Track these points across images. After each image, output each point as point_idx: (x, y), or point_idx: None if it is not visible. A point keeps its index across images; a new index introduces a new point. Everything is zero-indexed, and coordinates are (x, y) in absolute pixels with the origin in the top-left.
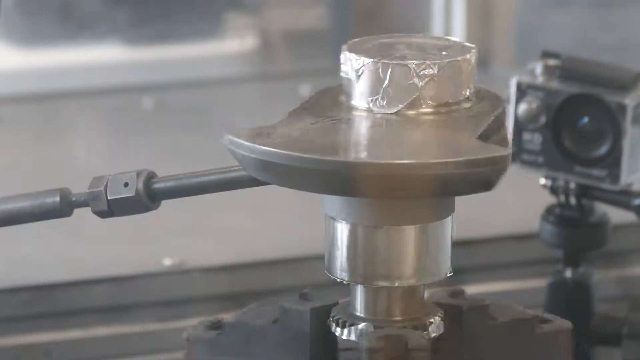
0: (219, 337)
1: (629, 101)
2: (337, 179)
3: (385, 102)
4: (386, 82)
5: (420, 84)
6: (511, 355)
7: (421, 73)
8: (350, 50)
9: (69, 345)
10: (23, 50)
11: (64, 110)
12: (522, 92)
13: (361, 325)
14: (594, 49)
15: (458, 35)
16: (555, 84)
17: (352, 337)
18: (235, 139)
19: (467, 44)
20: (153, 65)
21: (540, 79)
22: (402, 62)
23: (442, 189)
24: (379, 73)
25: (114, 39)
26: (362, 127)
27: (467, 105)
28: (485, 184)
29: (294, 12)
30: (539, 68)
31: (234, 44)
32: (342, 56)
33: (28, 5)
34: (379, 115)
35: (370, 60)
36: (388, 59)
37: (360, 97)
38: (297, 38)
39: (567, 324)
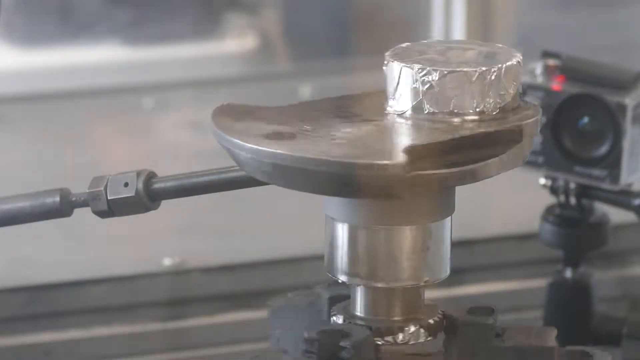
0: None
1: (629, 101)
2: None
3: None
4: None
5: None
6: None
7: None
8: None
9: (69, 345)
10: (23, 50)
11: (63, 110)
12: (522, 92)
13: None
14: (594, 49)
15: (458, 35)
16: (555, 84)
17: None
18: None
19: (512, 53)
20: (153, 65)
21: (540, 79)
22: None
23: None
24: (393, 75)
25: (114, 39)
26: (370, 129)
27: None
28: None
29: (294, 12)
30: (539, 68)
31: (234, 44)
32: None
33: (28, 5)
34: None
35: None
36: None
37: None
38: (298, 38)
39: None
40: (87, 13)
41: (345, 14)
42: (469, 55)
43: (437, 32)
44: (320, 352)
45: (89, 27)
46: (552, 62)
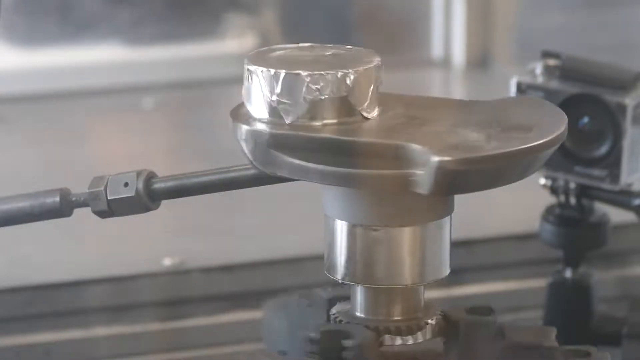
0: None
1: (629, 101)
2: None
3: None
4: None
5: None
6: None
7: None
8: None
9: (69, 345)
10: (23, 50)
11: (64, 110)
12: (522, 92)
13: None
14: (593, 49)
15: (458, 35)
16: (555, 84)
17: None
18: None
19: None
20: (153, 65)
21: (540, 79)
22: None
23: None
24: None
25: (114, 39)
26: None
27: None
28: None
29: (294, 12)
30: (539, 68)
31: (234, 44)
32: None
33: (28, 5)
34: None
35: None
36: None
37: None
38: (297, 38)
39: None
40: (87, 13)
41: (345, 14)
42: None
43: (437, 32)
44: (323, 352)
45: (89, 27)
46: (552, 62)
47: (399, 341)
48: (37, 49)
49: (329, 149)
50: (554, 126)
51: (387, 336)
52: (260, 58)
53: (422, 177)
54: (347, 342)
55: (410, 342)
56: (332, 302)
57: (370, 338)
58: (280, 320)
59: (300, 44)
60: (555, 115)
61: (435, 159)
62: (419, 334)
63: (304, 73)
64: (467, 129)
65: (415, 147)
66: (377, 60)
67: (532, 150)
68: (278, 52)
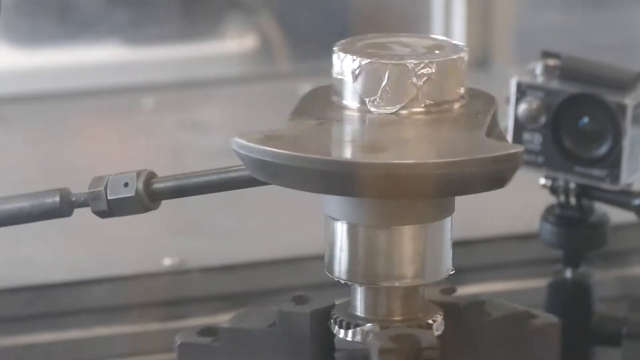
0: (213, 343)
1: (629, 101)
2: (357, 181)
3: (383, 102)
4: (385, 82)
5: (419, 83)
6: (506, 349)
7: (419, 72)
8: (344, 51)
9: (69, 345)
10: (23, 50)
11: (64, 110)
12: (522, 92)
13: (366, 327)
14: (593, 49)
15: (458, 35)
16: (555, 84)
17: (358, 338)
18: (244, 142)
19: (458, 43)
20: (153, 65)
21: (540, 79)
22: (401, 62)
23: (456, 187)
24: (378, 73)
25: (114, 39)
26: (367, 127)
27: (461, 103)
28: (500, 181)
29: (294, 12)
30: (539, 68)
31: (234, 44)
32: (334, 56)
33: (28, 5)
34: (378, 116)
35: (367, 60)
36: (385, 58)
37: (356, 97)
38: (297, 38)
39: (554, 319)
40: (87, 13)
41: (345, 14)
42: (415, 48)
43: (437, 32)
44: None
45: (89, 27)
46: (552, 62)
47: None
48: (37, 49)
49: None
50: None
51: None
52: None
53: None
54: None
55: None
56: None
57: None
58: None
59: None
60: None
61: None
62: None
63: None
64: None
65: None
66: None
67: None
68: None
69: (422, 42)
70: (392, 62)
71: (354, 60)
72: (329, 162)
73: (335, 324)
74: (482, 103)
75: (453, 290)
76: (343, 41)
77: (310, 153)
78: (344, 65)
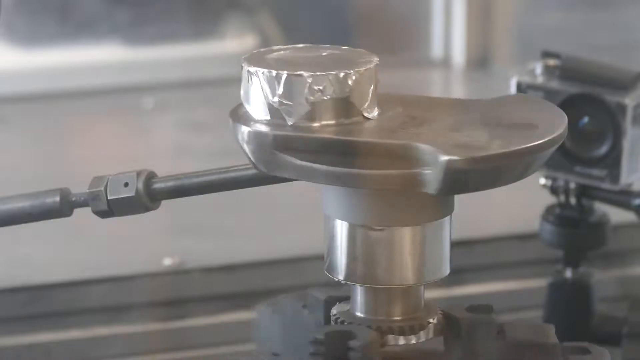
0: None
1: (629, 101)
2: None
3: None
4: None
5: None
6: None
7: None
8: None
9: (69, 345)
10: (23, 50)
11: (64, 110)
12: (522, 92)
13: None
14: (593, 49)
15: (458, 35)
16: (555, 84)
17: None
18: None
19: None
20: (153, 65)
21: (540, 79)
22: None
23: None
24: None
25: (114, 39)
26: None
27: None
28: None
29: (293, 12)
30: (539, 68)
31: (234, 44)
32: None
33: (28, 5)
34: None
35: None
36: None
37: None
38: (297, 38)
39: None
40: (87, 13)
41: (345, 14)
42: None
43: (437, 32)
44: (328, 354)
45: (89, 27)
46: (552, 62)
47: (401, 341)
48: (37, 49)
49: (335, 149)
50: (555, 124)
51: (389, 336)
52: (259, 59)
53: (430, 176)
54: (353, 343)
55: (413, 341)
56: (328, 303)
57: (375, 338)
58: (273, 322)
59: (297, 45)
60: (554, 113)
61: (444, 158)
62: (421, 333)
63: (306, 74)
64: (468, 128)
65: (423, 146)
66: (375, 60)
67: (538, 148)
68: (276, 53)
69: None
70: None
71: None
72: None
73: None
74: None
75: (480, 309)
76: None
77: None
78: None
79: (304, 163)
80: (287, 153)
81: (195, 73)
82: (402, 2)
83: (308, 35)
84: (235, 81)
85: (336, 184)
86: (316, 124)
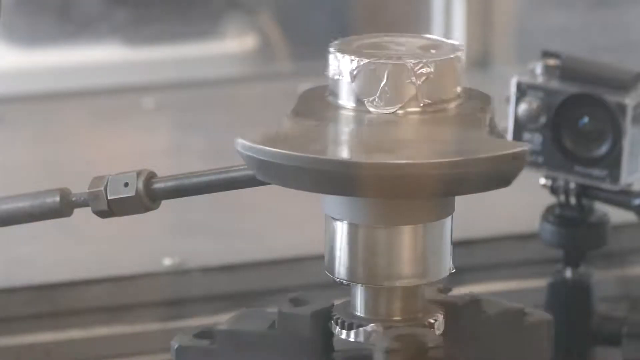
0: (211, 346)
1: (629, 101)
2: (361, 181)
3: (382, 102)
4: (384, 82)
5: (418, 82)
6: (501, 345)
7: (418, 72)
8: (342, 52)
9: (69, 345)
10: (23, 50)
11: (64, 110)
12: (522, 92)
13: (369, 327)
14: (594, 49)
15: (458, 35)
16: (555, 84)
17: (360, 339)
18: (247, 143)
19: (453, 42)
20: (153, 65)
21: (540, 79)
22: (399, 62)
23: (461, 187)
24: (377, 73)
25: (114, 39)
26: (368, 127)
27: (458, 103)
28: (505, 179)
29: (294, 12)
30: (539, 68)
31: (234, 44)
32: (331, 57)
33: (28, 5)
34: (377, 116)
35: (366, 60)
36: (384, 58)
37: (354, 97)
38: (298, 38)
39: (547, 316)
40: (87, 13)
41: (345, 14)
42: (412, 48)
43: (437, 32)
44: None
45: (89, 27)
46: (552, 62)
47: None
48: (37, 49)
49: None
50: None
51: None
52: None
53: None
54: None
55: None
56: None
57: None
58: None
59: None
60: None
61: None
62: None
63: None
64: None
65: None
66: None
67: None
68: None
69: (417, 42)
70: (391, 61)
71: (352, 60)
72: (335, 163)
73: (336, 324)
74: (478, 102)
75: (449, 290)
76: (338, 42)
77: (312, 153)
78: (342, 65)
79: None
80: None
81: (196, 73)
82: (402, 2)
83: (308, 35)
84: (235, 81)
85: None
86: None
